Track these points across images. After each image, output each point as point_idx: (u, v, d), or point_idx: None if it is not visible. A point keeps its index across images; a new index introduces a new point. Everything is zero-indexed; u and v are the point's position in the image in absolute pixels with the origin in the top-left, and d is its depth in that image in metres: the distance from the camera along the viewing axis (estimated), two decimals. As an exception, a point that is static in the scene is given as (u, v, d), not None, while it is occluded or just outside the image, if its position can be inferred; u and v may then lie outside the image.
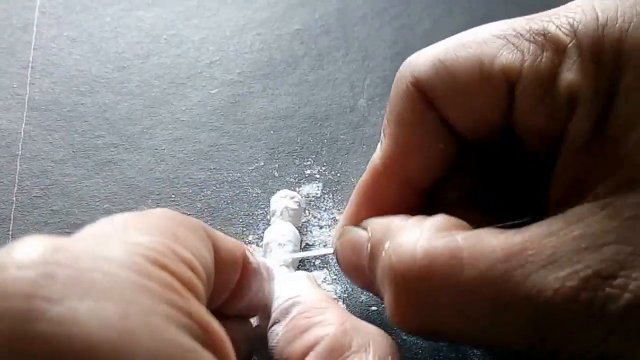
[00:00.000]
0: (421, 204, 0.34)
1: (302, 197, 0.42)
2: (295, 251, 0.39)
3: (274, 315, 0.32)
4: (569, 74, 0.26)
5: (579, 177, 0.26)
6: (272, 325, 0.32)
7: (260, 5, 0.54)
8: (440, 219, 0.28)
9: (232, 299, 0.30)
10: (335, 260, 0.37)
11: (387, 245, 0.29)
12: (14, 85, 0.47)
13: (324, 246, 0.41)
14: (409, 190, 0.34)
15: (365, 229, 0.32)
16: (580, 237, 0.24)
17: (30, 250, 0.19)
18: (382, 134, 0.33)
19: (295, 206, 0.41)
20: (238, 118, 0.47)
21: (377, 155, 0.34)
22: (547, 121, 0.28)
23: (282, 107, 0.48)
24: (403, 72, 0.32)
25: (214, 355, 0.21)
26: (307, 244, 0.41)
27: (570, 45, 0.26)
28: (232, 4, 0.54)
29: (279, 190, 0.43)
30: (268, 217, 0.42)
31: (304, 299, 0.32)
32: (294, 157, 0.45)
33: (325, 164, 0.45)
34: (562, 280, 0.24)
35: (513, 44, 0.28)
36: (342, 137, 0.46)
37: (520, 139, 0.30)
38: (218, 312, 0.25)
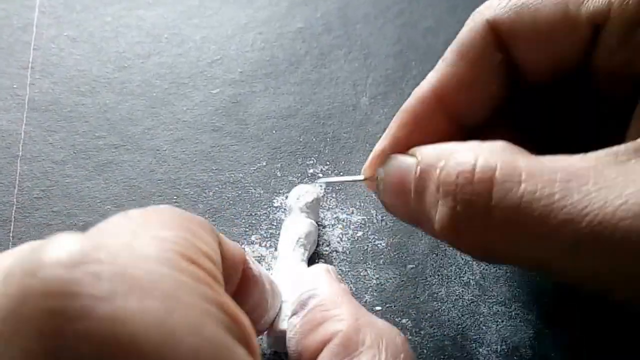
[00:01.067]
0: (463, 140, 0.33)
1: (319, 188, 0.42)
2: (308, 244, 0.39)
3: (292, 306, 0.32)
4: None
5: None
6: (291, 317, 0.32)
7: (262, 4, 0.54)
8: (500, 143, 0.28)
9: None
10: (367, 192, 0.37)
11: (442, 163, 0.28)
12: (14, 86, 0.47)
13: (329, 244, 0.41)
14: (455, 125, 0.33)
15: (414, 155, 0.31)
16: None
17: (69, 248, 0.19)
18: (439, 62, 0.33)
19: (311, 199, 0.41)
20: (240, 118, 0.47)
21: (429, 82, 0.33)
22: (629, 64, 0.28)
23: (284, 107, 0.48)
24: (482, 10, 0.32)
25: (244, 347, 0.21)
26: (310, 244, 0.41)
27: None
28: (234, 3, 0.54)
29: (281, 190, 0.43)
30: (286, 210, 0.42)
31: (321, 292, 0.32)
32: (296, 156, 0.45)
33: (327, 163, 0.45)
34: (622, 202, 0.23)
35: None
36: (344, 135, 0.46)
37: (596, 83, 0.30)
38: None
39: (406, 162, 0.31)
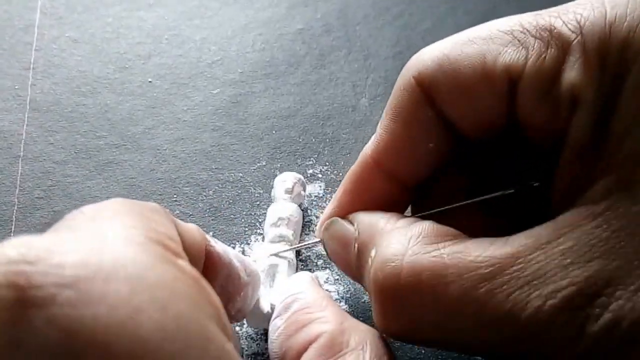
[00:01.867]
0: (408, 199, 0.34)
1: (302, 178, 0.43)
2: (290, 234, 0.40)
3: (276, 310, 0.33)
4: (572, 73, 0.26)
5: (578, 176, 0.26)
6: (274, 319, 0.32)
7: (262, 5, 0.54)
8: (428, 227, 0.28)
9: None
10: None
11: (373, 252, 0.29)
12: (16, 87, 0.47)
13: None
14: (397, 185, 0.34)
15: (353, 224, 0.32)
16: (568, 250, 0.24)
17: (34, 242, 0.19)
18: (378, 126, 0.33)
19: (290, 185, 0.41)
20: (240, 118, 0.47)
21: (369, 146, 0.34)
22: (549, 119, 0.27)
23: (284, 107, 0.48)
24: (409, 65, 0.32)
25: (215, 322, 0.21)
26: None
27: (574, 42, 0.26)
28: (234, 4, 0.54)
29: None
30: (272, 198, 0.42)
31: (305, 296, 0.32)
32: (296, 156, 0.45)
33: (327, 163, 0.45)
34: (544, 298, 0.23)
35: (519, 40, 0.28)
36: (344, 136, 0.46)
37: (523, 136, 0.30)
38: None
39: (345, 228, 0.33)
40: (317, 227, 0.36)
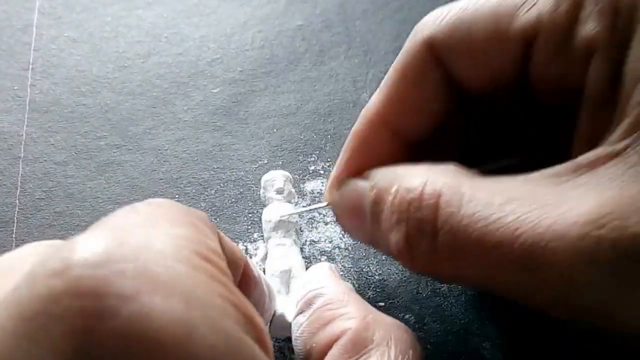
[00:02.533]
0: (412, 156, 0.34)
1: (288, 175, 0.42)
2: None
3: (298, 306, 0.33)
4: (587, 24, 0.27)
5: (596, 126, 0.26)
6: (296, 316, 0.33)
7: (261, 1, 0.54)
8: (449, 166, 0.29)
9: None
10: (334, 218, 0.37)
11: (394, 189, 0.29)
12: (15, 87, 0.47)
13: (331, 241, 0.41)
14: (400, 143, 0.34)
15: (366, 178, 0.32)
16: (586, 183, 0.24)
17: (95, 247, 0.19)
18: (381, 85, 0.34)
19: (281, 184, 0.41)
20: (240, 117, 0.47)
21: (372, 104, 0.34)
22: (565, 73, 0.28)
23: (285, 105, 0.48)
24: (419, 28, 0.32)
25: (260, 346, 0.22)
26: (312, 240, 0.41)
27: None
28: (233, 1, 0.54)
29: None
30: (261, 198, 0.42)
31: (327, 291, 0.32)
32: (297, 153, 0.45)
33: (329, 159, 0.45)
34: (564, 225, 0.23)
35: (531, 0, 0.29)
36: (345, 132, 0.46)
37: (534, 94, 0.30)
38: None
39: (360, 186, 0.33)
40: (325, 191, 0.36)
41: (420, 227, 0.27)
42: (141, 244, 0.20)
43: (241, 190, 0.43)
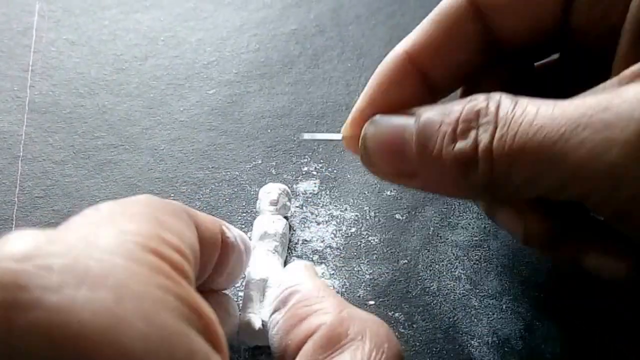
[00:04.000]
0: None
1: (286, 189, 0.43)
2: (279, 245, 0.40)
3: (273, 304, 0.33)
4: None
5: (636, 55, 0.28)
6: (272, 314, 0.32)
7: (256, 6, 0.55)
8: (500, 93, 0.29)
9: (212, 275, 0.31)
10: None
11: (458, 108, 0.29)
12: (15, 88, 0.48)
13: (323, 240, 0.41)
14: (427, 87, 0.34)
15: (403, 115, 0.32)
16: (635, 88, 0.25)
17: (24, 243, 0.19)
18: (416, 28, 0.34)
19: (275, 196, 0.41)
20: (235, 117, 0.48)
21: (404, 44, 0.34)
22: (605, 15, 0.29)
23: (279, 106, 0.48)
24: None
25: (205, 337, 0.21)
26: (304, 240, 0.42)
27: None
28: (229, 6, 0.54)
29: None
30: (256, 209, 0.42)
31: (302, 288, 0.32)
32: (290, 154, 0.46)
33: (321, 161, 0.45)
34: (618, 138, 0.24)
35: None
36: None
37: (573, 40, 0.32)
38: (197, 289, 0.25)
39: (399, 120, 0.32)
40: (347, 125, 0.36)
41: (485, 129, 0.28)
42: (79, 240, 0.20)
43: (235, 189, 0.44)
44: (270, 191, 0.41)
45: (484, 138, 0.28)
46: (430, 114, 0.31)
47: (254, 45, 0.52)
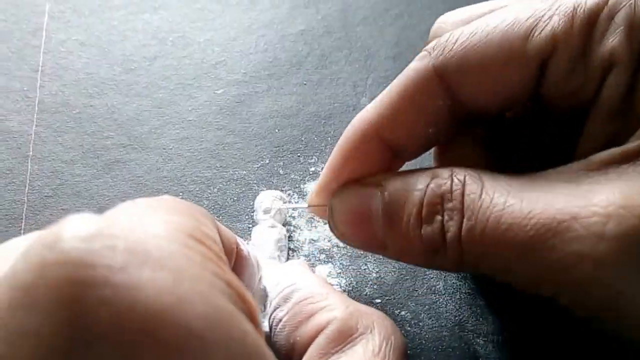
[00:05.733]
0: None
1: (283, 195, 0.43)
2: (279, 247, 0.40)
3: (274, 302, 0.33)
4: (604, 40, 0.28)
5: (608, 137, 0.28)
6: (274, 312, 0.33)
7: (264, 7, 0.55)
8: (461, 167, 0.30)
9: None
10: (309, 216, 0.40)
11: (420, 185, 0.30)
12: (25, 89, 0.48)
13: (330, 240, 0.42)
14: (391, 155, 0.35)
15: (368, 185, 0.33)
16: (600, 179, 0.26)
17: (86, 225, 0.20)
18: (381, 96, 0.34)
19: (269, 204, 0.42)
20: (243, 117, 0.48)
21: (367, 114, 0.34)
22: (580, 87, 0.29)
23: (287, 106, 0.49)
24: (429, 49, 0.33)
25: (251, 321, 0.22)
26: (312, 239, 0.42)
27: (603, 12, 0.28)
28: (237, 6, 0.55)
29: (284, 187, 0.44)
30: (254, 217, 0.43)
31: (302, 285, 0.33)
32: (298, 154, 0.46)
33: (329, 160, 0.45)
34: (568, 208, 0.25)
35: (543, 22, 0.29)
36: (345, 134, 0.47)
37: (547, 106, 0.31)
38: None
39: (365, 192, 0.33)
40: (311, 195, 0.37)
41: (451, 217, 0.28)
42: (134, 225, 0.21)
43: (243, 189, 0.44)
44: (263, 200, 0.42)
45: (451, 227, 0.29)
46: (395, 186, 0.32)
47: (262, 46, 0.52)
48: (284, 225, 0.42)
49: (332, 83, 0.50)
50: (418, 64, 0.33)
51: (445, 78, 0.32)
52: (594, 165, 0.26)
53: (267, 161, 0.45)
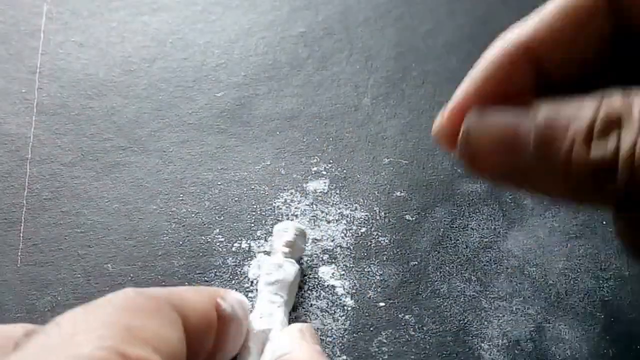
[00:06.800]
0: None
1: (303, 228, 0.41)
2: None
3: None
4: None
5: None
6: None
7: (265, 8, 0.55)
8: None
9: (213, 353, 0.30)
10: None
11: (591, 107, 0.26)
12: (23, 91, 0.48)
13: (333, 239, 0.41)
14: (542, 82, 0.31)
15: (528, 108, 0.28)
16: None
17: None
18: (531, 16, 0.31)
19: (291, 238, 0.40)
20: (244, 120, 0.48)
21: (517, 32, 0.31)
22: None
23: (288, 108, 0.48)
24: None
25: None
26: (315, 239, 0.42)
27: None
28: (237, 8, 0.55)
29: (286, 186, 0.44)
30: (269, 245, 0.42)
31: (295, 355, 0.32)
32: (300, 155, 0.46)
33: (331, 161, 0.45)
34: None
35: None
36: (347, 135, 0.47)
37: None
38: None
39: (511, 114, 0.29)
40: (441, 118, 0.32)
41: (627, 134, 0.25)
42: None
43: (244, 189, 0.44)
44: (288, 230, 0.40)
45: (625, 143, 0.25)
46: (552, 110, 0.27)
47: (262, 48, 0.52)
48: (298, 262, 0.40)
49: (332, 84, 0.50)
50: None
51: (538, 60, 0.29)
52: None
53: (269, 162, 0.45)
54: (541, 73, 0.30)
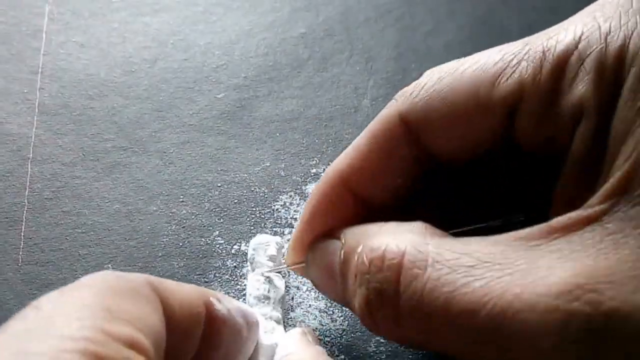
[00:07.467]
0: (378, 217, 0.32)
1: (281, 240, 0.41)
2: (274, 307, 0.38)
3: None
4: (574, 87, 0.26)
5: (577, 188, 0.26)
6: None
7: (265, 10, 0.55)
8: (417, 224, 0.28)
9: (205, 354, 0.29)
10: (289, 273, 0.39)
11: (359, 248, 0.28)
12: (24, 91, 0.48)
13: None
14: (363, 205, 0.33)
15: (338, 238, 0.31)
16: (558, 250, 0.23)
17: None
18: (350, 147, 0.33)
19: (274, 252, 0.40)
20: (244, 121, 0.48)
21: (337, 165, 0.33)
22: (550, 136, 0.27)
23: (288, 110, 0.49)
24: (397, 98, 0.32)
25: None
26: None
27: (572, 58, 0.26)
28: (238, 9, 0.55)
29: (285, 188, 0.44)
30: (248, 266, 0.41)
31: (295, 357, 0.32)
32: (299, 157, 0.46)
33: (330, 162, 0.45)
34: (525, 291, 0.22)
35: (511, 67, 0.28)
36: (347, 136, 0.47)
37: (518, 158, 0.30)
38: None
39: (330, 245, 0.32)
40: (289, 253, 0.36)
41: (381, 289, 0.26)
42: (7, 351, 0.20)
43: (244, 191, 0.44)
44: (269, 244, 0.40)
45: (372, 297, 0.27)
46: (350, 243, 0.30)
47: (263, 49, 0.52)
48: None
49: (333, 86, 0.50)
50: (385, 111, 0.32)
51: (410, 125, 0.30)
52: (556, 233, 0.24)
53: (268, 164, 0.45)
54: (363, 200, 0.33)
